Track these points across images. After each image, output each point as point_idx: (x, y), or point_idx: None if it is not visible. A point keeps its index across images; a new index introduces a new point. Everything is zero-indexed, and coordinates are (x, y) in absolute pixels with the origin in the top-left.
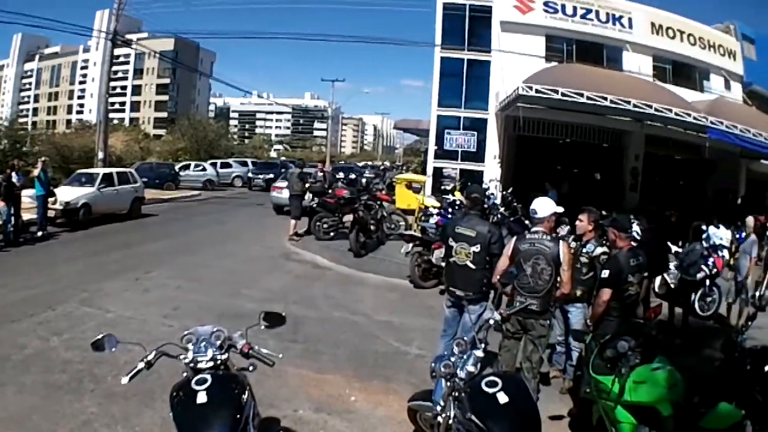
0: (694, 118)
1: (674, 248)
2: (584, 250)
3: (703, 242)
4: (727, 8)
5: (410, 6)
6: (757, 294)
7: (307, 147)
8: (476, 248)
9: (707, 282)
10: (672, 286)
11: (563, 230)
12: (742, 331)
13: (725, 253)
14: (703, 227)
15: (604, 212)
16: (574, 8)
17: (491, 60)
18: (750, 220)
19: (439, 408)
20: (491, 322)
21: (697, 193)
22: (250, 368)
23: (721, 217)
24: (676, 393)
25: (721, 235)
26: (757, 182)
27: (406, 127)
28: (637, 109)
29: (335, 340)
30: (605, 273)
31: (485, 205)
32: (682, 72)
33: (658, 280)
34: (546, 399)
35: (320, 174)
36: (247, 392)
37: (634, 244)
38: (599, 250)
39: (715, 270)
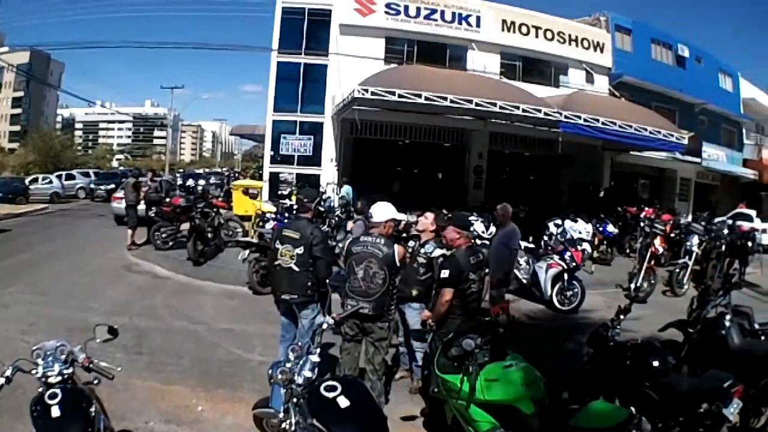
0: (545, 114)
1: (524, 244)
2: (423, 251)
3: (558, 236)
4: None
5: (250, 11)
6: (632, 286)
7: (147, 155)
8: (300, 250)
9: (565, 276)
10: (524, 281)
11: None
12: (613, 324)
13: (586, 246)
14: (558, 222)
15: (449, 214)
16: (418, 9)
17: (329, 64)
18: (501, 208)
19: (282, 415)
20: (324, 326)
21: (550, 188)
22: (95, 381)
23: (579, 210)
24: (537, 390)
25: (579, 228)
26: (626, 174)
27: (242, 133)
28: (480, 107)
29: (178, 350)
30: (445, 273)
31: (321, 209)
32: (535, 68)
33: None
34: (396, 400)
35: (150, 184)
36: (94, 405)
37: (477, 242)
38: (438, 251)
39: (573, 264)
